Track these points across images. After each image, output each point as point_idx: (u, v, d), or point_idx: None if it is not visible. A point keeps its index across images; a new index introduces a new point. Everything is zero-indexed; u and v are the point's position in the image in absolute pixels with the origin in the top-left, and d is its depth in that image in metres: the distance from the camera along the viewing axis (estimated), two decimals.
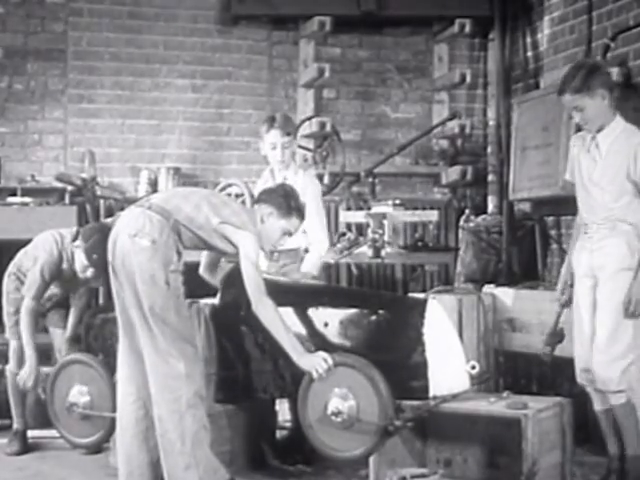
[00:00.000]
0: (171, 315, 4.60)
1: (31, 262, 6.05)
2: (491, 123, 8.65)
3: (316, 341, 4.93)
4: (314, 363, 4.60)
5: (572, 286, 5.08)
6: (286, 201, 4.82)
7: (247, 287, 4.61)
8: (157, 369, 4.62)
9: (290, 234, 4.89)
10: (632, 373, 4.88)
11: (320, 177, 7.23)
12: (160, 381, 4.62)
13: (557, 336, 5.20)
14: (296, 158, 6.02)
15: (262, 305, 4.60)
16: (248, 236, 4.66)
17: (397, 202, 7.52)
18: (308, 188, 5.74)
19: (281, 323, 4.61)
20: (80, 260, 5.91)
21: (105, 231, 5.06)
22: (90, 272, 5.89)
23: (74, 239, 5.99)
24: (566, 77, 4.92)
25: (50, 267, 6.00)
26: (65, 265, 6.04)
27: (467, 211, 7.63)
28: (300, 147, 7.59)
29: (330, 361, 4.61)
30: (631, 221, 4.86)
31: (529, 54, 8.36)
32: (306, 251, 5.84)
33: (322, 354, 4.65)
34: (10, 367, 6.16)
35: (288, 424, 5.85)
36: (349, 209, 8.04)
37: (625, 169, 4.84)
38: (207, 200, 4.76)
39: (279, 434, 5.91)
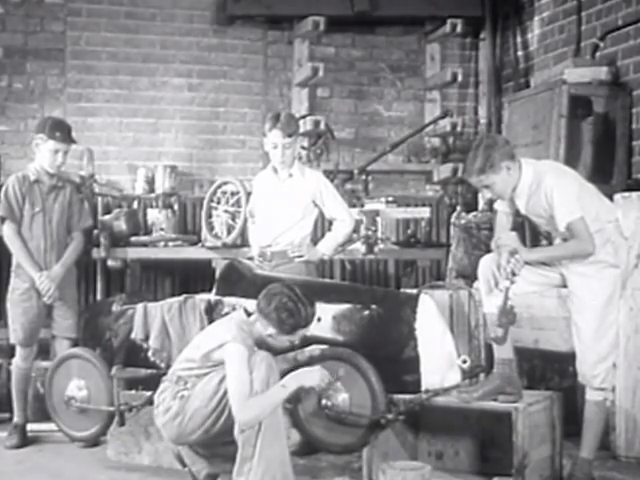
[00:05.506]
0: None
1: None
2: (482, 121, 8.70)
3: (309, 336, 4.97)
4: (311, 377, 4.69)
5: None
6: (285, 322, 4.64)
7: (229, 395, 4.55)
8: None
9: (297, 341, 4.78)
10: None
11: None
12: None
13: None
14: (301, 154, 6.10)
15: (242, 413, 4.49)
16: (229, 347, 4.59)
17: (390, 199, 7.62)
18: (321, 181, 6.06)
19: (262, 405, 4.51)
20: (47, 150, 6.08)
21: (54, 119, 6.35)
22: (60, 157, 6.10)
23: (37, 132, 6.19)
24: (469, 160, 4.86)
25: (14, 183, 6.12)
26: (32, 177, 6.14)
27: (458, 208, 7.69)
28: None
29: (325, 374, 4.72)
30: (609, 218, 4.90)
31: (519, 53, 8.42)
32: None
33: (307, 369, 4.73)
34: (16, 361, 6.21)
35: None
36: None
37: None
38: (200, 336, 4.91)
39: None
